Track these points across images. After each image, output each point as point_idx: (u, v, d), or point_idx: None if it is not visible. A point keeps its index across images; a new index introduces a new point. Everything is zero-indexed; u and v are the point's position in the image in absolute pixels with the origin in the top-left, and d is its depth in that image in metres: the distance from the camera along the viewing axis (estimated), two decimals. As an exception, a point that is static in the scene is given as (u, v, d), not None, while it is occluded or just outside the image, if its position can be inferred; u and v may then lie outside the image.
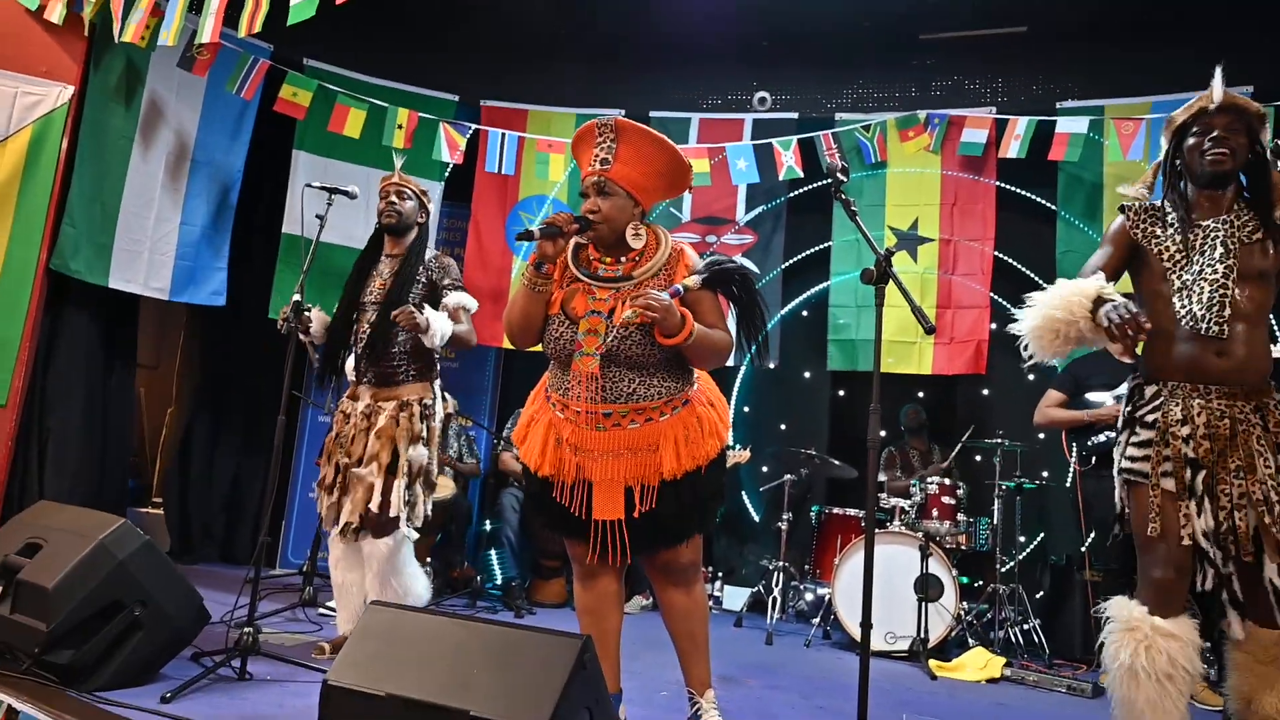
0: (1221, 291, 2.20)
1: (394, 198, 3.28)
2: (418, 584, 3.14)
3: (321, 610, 3.94)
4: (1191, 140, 2.32)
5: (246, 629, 2.70)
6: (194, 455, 5.32)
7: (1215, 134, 2.26)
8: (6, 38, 4.12)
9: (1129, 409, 2.34)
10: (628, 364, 2.25)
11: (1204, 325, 2.20)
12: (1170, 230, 2.32)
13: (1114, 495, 3.93)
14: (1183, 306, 2.23)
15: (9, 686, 2.26)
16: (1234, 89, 2.33)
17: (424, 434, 3.14)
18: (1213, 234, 2.27)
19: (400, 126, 5.01)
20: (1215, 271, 2.22)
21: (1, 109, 4.06)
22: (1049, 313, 2.19)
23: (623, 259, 2.34)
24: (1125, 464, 2.29)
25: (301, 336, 3.22)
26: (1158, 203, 2.40)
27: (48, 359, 4.39)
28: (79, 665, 2.36)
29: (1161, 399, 2.26)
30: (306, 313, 3.17)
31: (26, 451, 4.28)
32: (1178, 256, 2.28)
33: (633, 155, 2.32)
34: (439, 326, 3.06)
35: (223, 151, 4.90)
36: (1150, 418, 2.26)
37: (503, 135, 5.19)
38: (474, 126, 5.20)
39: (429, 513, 3.21)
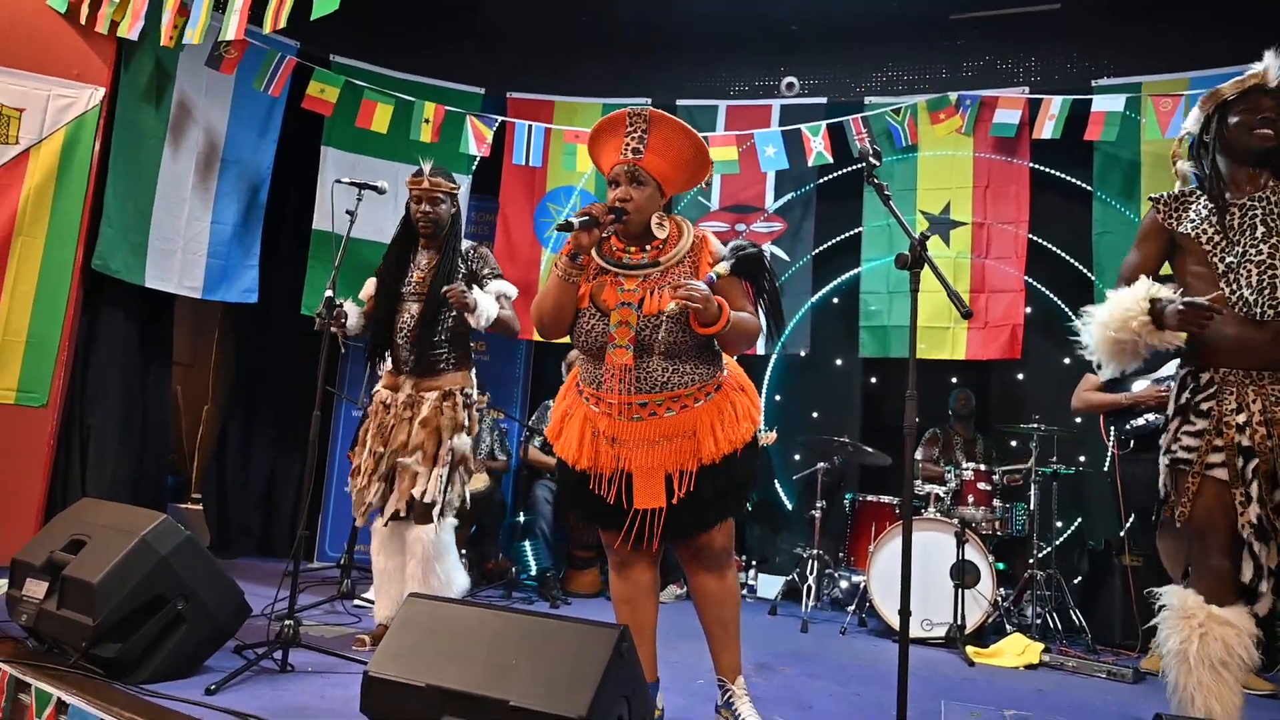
0: (1271, 273, 2.16)
1: (427, 205, 3.23)
2: (460, 573, 3.18)
3: (358, 602, 3.98)
4: (1237, 118, 2.28)
5: (287, 621, 2.74)
6: (230, 451, 5.39)
7: (1264, 114, 2.23)
8: (38, 41, 4.19)
9: (1183, 397, 2.30)
10: (660, 353, 2.26)
11: (1258, 310, 2.16)
12: (1205, 213, 2.29)
13: (1154, 481, 3.88)
14: (1232, 291, 2.20)
15: (59, 680, 2.31)
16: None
17: (466, 423, 3.18)
18: (1250, 213, 2.24)
19: (427, 121, 5.03)
20: (1260, 253, 2.18)
21: (35, 112, 4.14)
22: (1108, 335, 2.23)
23: (646, 247, 2.35)
24: (1179, 452, 2.26)
25: (334, 329, 3.23)
26: (1186, 189, 2.37)
27: (86, 358, 4.48)
28: (125, 659, 2.40)
29: (1215, 387, 2.23)
30: (339, 307, 3.19)
31: (68, 450, 4.37)
32: (1217, 239, 2.25)
33: (663, 145, 2.32)
34: (486, 307, 3.08)
35: (251, 150, 4.95)
36: (1205, 406, 2.23)
37: (529, 127, 5.18)
38: (500, 119, 5.20)
39: (467, 501, 3.24)
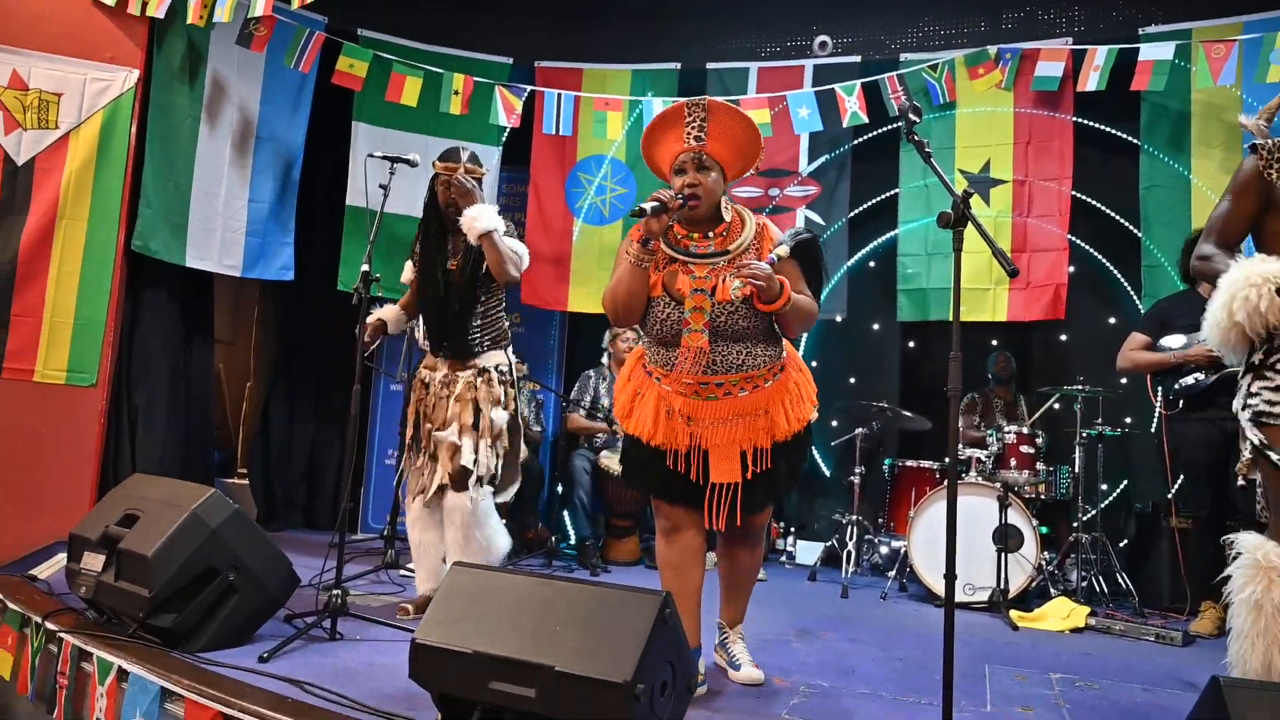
0: None
1: (454, 199, 3.19)
2: (500, 538, 3.21)
3: (403, 572, 4.05)
4: None
5: (335, 591, 2.79)
6: (273, 426, 5.49)
7: None
8: (72, 26, 4.23)
9: (1256, 357, 2.22)
10: (733, 336, 2.37)
11: None
12: None
13: (1204, 441, 3.77)
14: None
15: (119, 649, 2.38)
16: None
17: (503, 398, 3.20)
18: None
19: (456, 92, 5.00)
20: None
21: (73, 96, 4.19)
22: (1229, 321, 2.13)
23: (710, 234, 2.43)
24: (1260, 406, 2.18)
25: (383, 337, 3.34)
26: None
27: (131, 338, 4.56)
28: (180, 629, 2.47)
29: None
30: (377, 312, 3.27)
31: (118, 428, 4.47)
32: None
33: (722, 131, 2.39)
34: (485, 215, 3.05)
35: (284, 126, 4.97)
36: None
37: (558, 96, 5.14)
38: (530, 88, 5.16)
39: (502, 474, 3.26)
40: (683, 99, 2.45)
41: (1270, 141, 2.25)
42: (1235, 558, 2.17)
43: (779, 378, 2.44)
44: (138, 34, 4.33)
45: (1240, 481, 2.29)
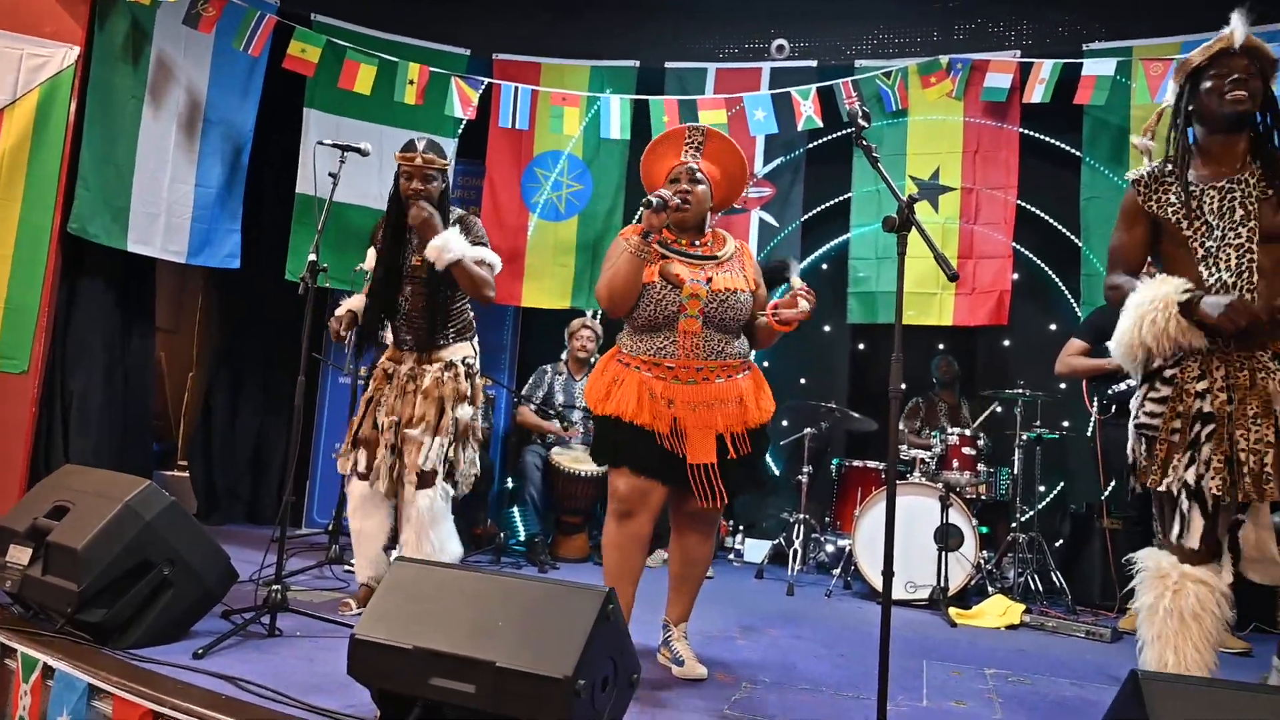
0: (1249, 257, 2.19)
1: (418, 183, 3.11)
2: (452, 541, 3.16)
3: (346, 568, 3.99)
4: (1209, 83, 2.26)
5: (274, 586, 2.74)
6: (216, 418, 5.36)
7: (1235, 76, 2.21)
8: (9, 0, 4.08)
9: (1151, 365, 2.32)
10: (720, 326, 2.60)
11: (1236, 293, 2.18)
12: (1183, 197, 2.28)
13: (1129, 446, 3.93)
14: (1211, 275, 2.22)
15: (45, 644, 2.31)
16: (1262, 27, 2.27)
17: (469, 393, 3.17)
18: (1228, 195, 2.24)
19: (411, 82, 4.94)
20: (1239, 236, 2.20)
21: (8, 72, 4.04)
22: (1138, 340, 2.24)
23: (697, 242, 2.71)
24: (1143, 418, 2.31)
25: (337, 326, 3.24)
26: (1163, 167, 2.36)
27: (66, 324, 4.42)
28: (111, 624, 2.40)
29: (1180, 354, 2.26)
30: (345, 303, 3.24)
31: (50, 417, 4.34)
32: (1196, 224, 2.26)
33: (716, 154, 2.75)
34: (452, 242, 3.00)
35: (234, 111, 4.86)
36: (1169, 373, 2.27)
37: (516, 89, 5.11)
38: (487, 81, 5.12)
39: (477, 471, 3.23)
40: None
41: (1143, 174, 2.37)
42: (1138, 573, 2.28)
43: (749, 373, 2.68)
44: (79, 10, 4.19)
45: (1132, 485, 2.39)
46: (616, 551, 2.63)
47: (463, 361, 3.19)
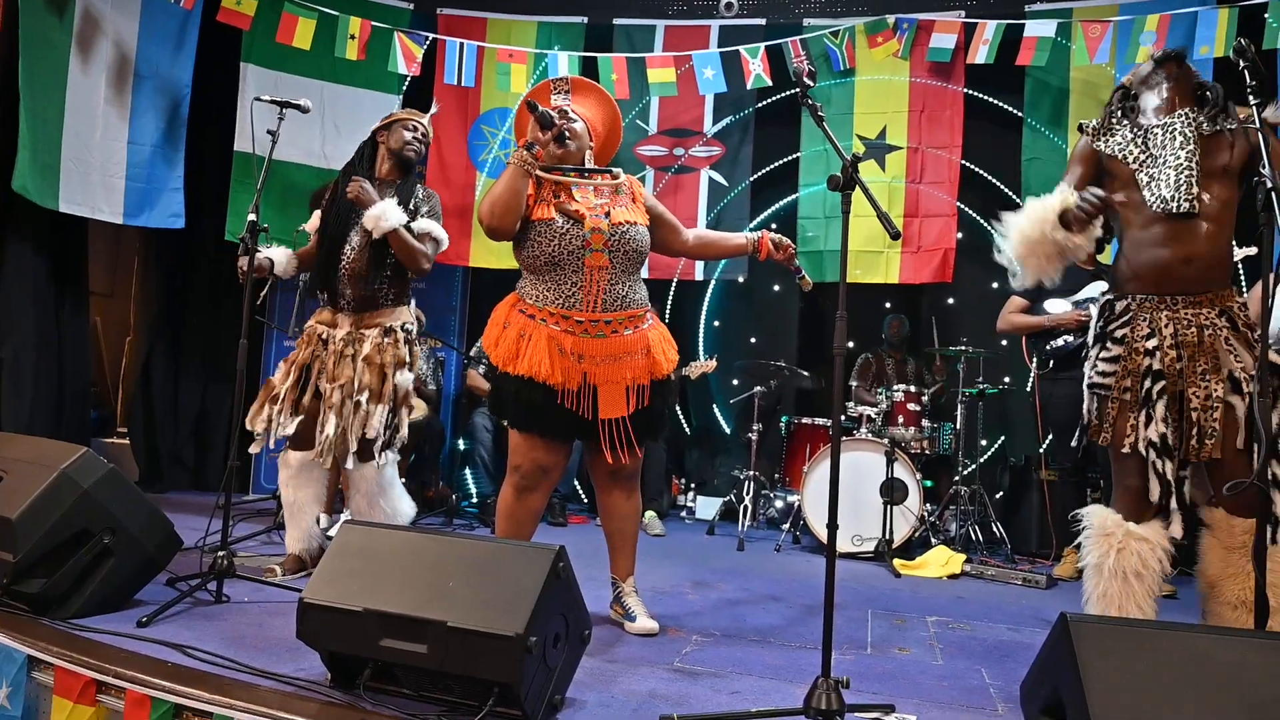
0: (1188, 172, 2.27)
1: (420, 137, 3.23)
2: (404, 503, 3.18)
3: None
4: (1144, 88, 2.47)
5: (220, 553, 2.71)
6: (156, 384, 5.23)
7: (1160, 82, 2.41)
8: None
9: (1100, 325, 2.41)
10: (624, 261, 2.56)
11: (1174, 204, 2.27)
12: (1130, 134, 2.41)
13: (1069, 399, 4.06)
14: (1152, 196, 2.31)
15: (-19, 616, 2.26)
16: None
17: (408, 359, 3.15)
18: (1170, 129, 2.34)
19: (353, 37, 4.79)
20: (1179, 158, 2.29)
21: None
22: (1023, 234, 2.34)
23: (585, 172, 2.66)
24: (1095, 378, 2.37)
25: (270, 277, 3.21)
26: (1114, 115, 2.49)
27: (-6, 287, 4.26)
28: (51, 594, 2.35)
29: (1130, 314, 2.33)
30: (265, 251, 3.15)
31: (-19, 384, 4.19)
32: (1142, 157, 2.36)
33: (586, 101, 2.76)
34: (388, 211, 3.01)
35: (167, 65, 4.68)
36: (1119, 333, 2.34)
37: (461, 45, 4.99)
38: (431, 36, 4.99)
39: (405, 436, 3.21)
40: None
41: (1093, 121, 2.51)
42: (1083, 529, 2.38)
43: (651, 322, 2.67)
44: (-5, -43, 3.98)
45: (1082, 441, 2.48)
46: (512, 524, 2.61)
47: (402, 327, 3.15)
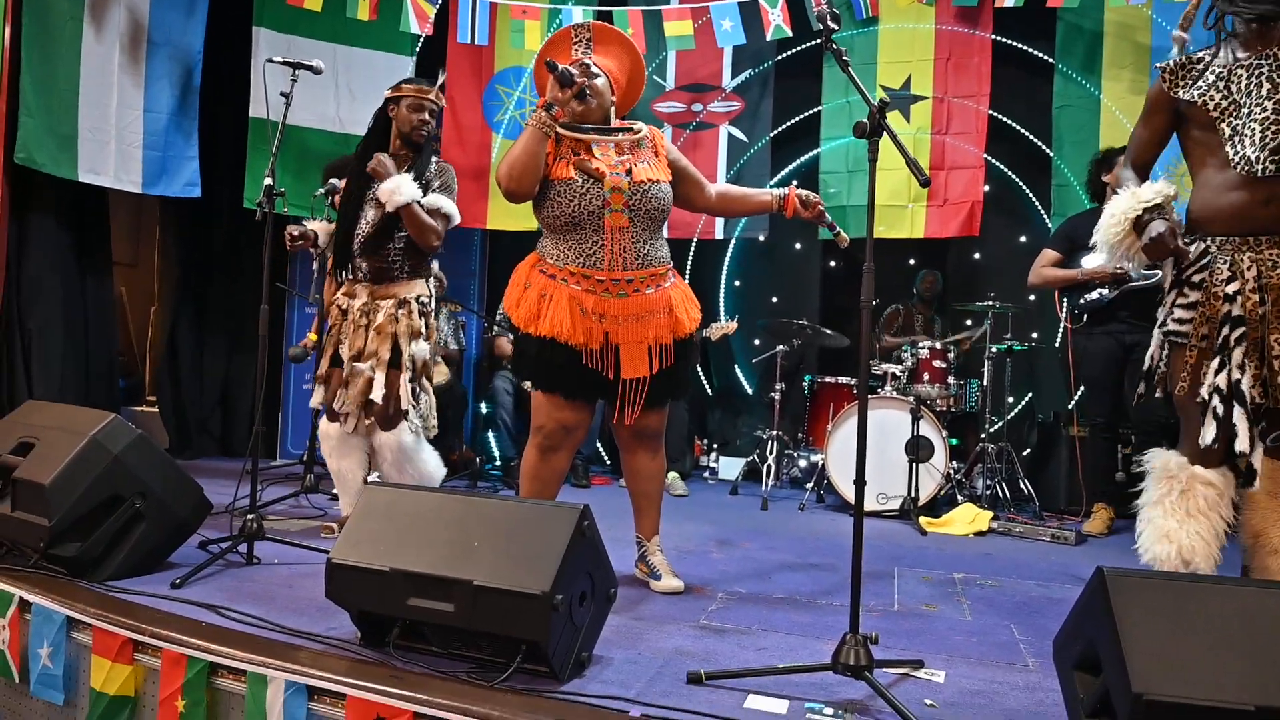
0: (1275, 129, 2.10)
1: (427, 115, 3.18)
2: (431, 466, 3.21)
3: (328, 497, 4.01)
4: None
5: (250, 516, 2.74)
6: (183, 351, 5.28)
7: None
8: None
9: (1176, 270, 2.29)
10: (646, 220, 2.51)
11: (1259, 168, 2.12)
12: (1212, 78, 2.21)
13: (1103, 353, 3.97)
14: (1236, 153, 2.15)
15: (20, 580, 2.30)
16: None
17: (423, 330, 3.16)
18: (1257, 72, 2.16)
19: (364, -4, 4.73)
20: (1264, 110, 2.12)
21: (-66, -8, 3.81)
22: (1112, 236, 2.25)
23: (606, 128, 2.59)
24: (1171, 325, 2.26)
25: (312, 250, 3.39)
26: (1193, 55, 2.29)
27: (20, 261, 4.29)
28: (86, 557, 2.39)
29: (1209, 258, 2.21)
30: (309, 224, 3.31)
31: (11, 356, 4.25)
32: (1224, 104, 2.19)
33: (607, 49, 2.65)
34: (404, 186, 3.00)
35: (179, 31, 4.65)
36: (1197, 278, 2.22)
37: (474, 2, 4.90)
38: (443, -7, 4.92)
39: (429, 404, 3.23)
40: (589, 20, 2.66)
41: (1170, 62, 2.31)
42: (1145, 471, 2.28)
43: (674, 280, 2.62)
44: (4, -76, 3.94)
45: (1152, 393, 2.36)
46: (536, 484, 2.60)
47: (416, 299, 3.16)
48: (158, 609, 2.18)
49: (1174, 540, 2.15)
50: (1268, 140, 2.10)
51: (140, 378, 5.89)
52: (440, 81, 3.27)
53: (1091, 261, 3.94)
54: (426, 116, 3.18)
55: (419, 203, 3.03)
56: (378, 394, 3.03)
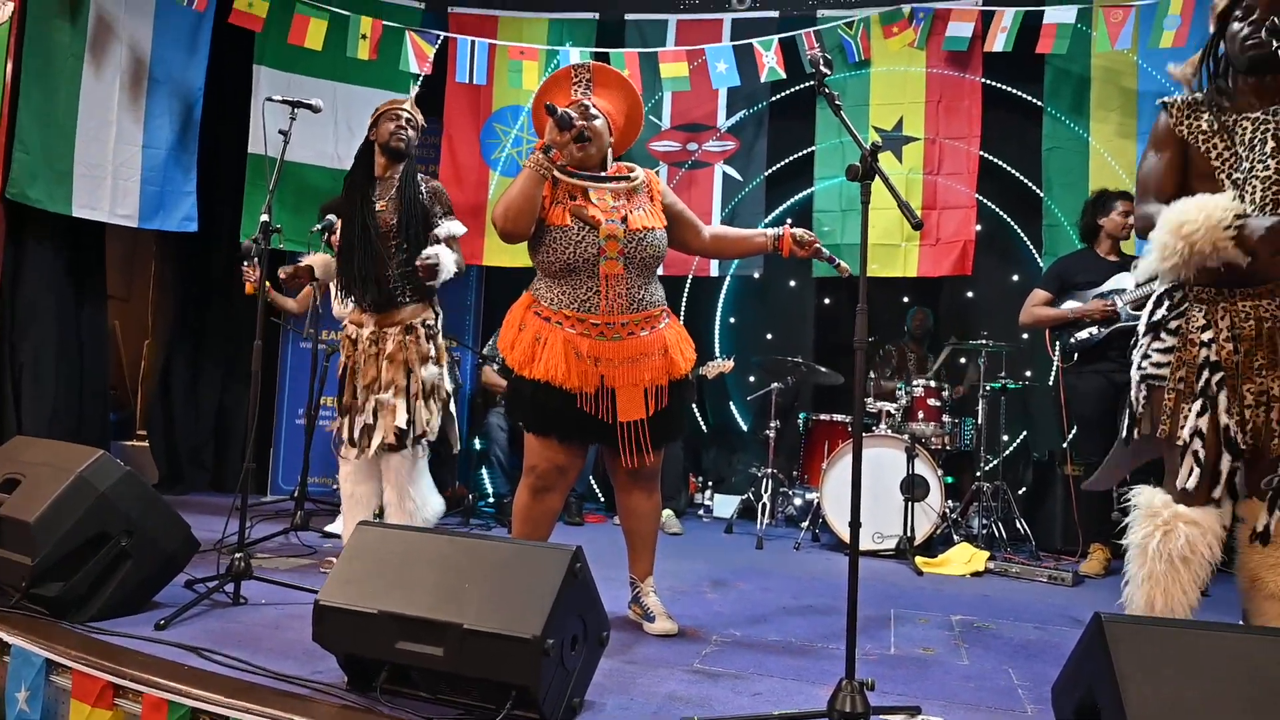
0: (1275, 190, 2.10)
1: (405, 125, 3.26)
2: (434, 498, 3.27)
3: (321, 534, 3.96)
4: (1235, 25, 2.17)
5: (238, 554, 2.70)
6: (175, 386, 5.25)
7: (1256, 16, 2.10)
8: (-65, -50, 3.88)
9: (1156, 315, 2.29)
10: (640, 267, 2.51)
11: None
12: (1215, 126, 2.20)
13: (1095, 392, 3.96)
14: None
15: (0, 621, 2.26)
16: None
17: (432, 353, 3.24)
18: (1262, 127, 2.15)
19: (364, 37, 4.79)
20: (1267, 168, 2.11)
21: (-62, 29, 3.85)
22: (1182, 240, 2.06)
23: (603, 174, 2.60)
24: (1148, 368, 2.26)
25: (311, 284, 3.48)
26: (1198, 95, 2.27)
27: (13, 294, 4.28)
28: (69, 597, 2.35)
29: (1186, 304, 2.22)
30: (306, 258, 3.38)
31: (1, 388, 4.21)
32: (1226, 154, 2.18)
33: (606, 91, 2.65)
34: (446, 264, 3.10)
35: (181, 68, 4.69)
36: (1174, 324, 2.23)
37: (472, 43, 4.97)
38: (442, 35, 4.98)
39: (437, 428, 3.28)
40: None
41: (1178, 99, 2.28)
42: (1132, 510, 2.26)
43: (669, 321, 2.63)
44: (9, -37, 3.99)
45: (1133, 434, 2.34)
46: (528, 525, 2.58)
47: (422, 324, 3.25)
48: (140, 651, 2.14)
49: (1155, 591, 2.15)
50: (1266, 201, 2.10)
51: (132, 411, 5.85)
52: (413, 92, 3.35)
53: (1141, 275, 3.92)
54: (403, 123, 3.26)
55: (452, 237, 3.18)
56: (401, 420, 3.12)
